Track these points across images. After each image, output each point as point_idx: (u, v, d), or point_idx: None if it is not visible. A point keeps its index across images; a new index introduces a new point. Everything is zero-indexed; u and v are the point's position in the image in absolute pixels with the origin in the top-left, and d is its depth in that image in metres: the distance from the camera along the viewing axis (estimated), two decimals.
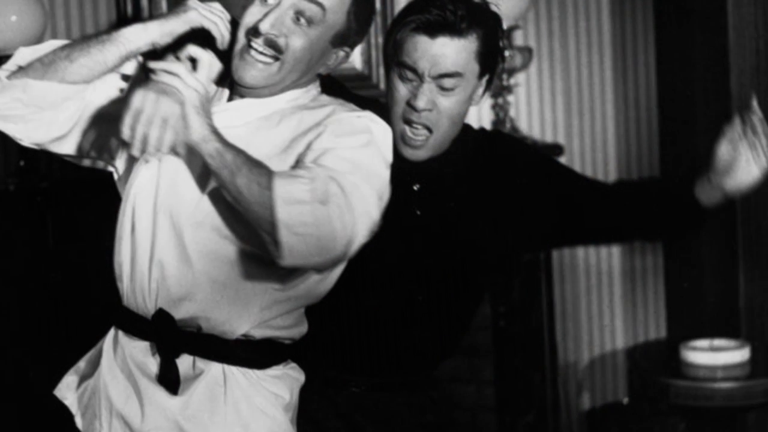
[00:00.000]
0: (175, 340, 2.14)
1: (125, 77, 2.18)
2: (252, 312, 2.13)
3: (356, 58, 3.77)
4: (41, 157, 3.35)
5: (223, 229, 2.07)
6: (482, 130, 2.50)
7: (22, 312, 3.34)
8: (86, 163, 2.28)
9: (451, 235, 2.37)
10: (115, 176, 2.26)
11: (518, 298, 3.68)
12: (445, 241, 2.37)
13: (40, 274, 3.36)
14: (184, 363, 2.15)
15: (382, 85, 3.57)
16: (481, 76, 2.31)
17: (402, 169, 2.23)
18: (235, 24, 2.14)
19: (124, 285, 2.17)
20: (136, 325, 2.17)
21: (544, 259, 3.75)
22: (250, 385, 2.16)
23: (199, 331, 2.14)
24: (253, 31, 2.09)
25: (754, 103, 2.36)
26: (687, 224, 2.50)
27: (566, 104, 4.04)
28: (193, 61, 2.06)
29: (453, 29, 2.24)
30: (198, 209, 2.08)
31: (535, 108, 4.02)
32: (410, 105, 2.27)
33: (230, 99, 2.18)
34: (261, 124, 2.14)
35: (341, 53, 2.18)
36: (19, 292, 3.35)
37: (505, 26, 2.39)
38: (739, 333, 3.85)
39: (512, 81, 3.84)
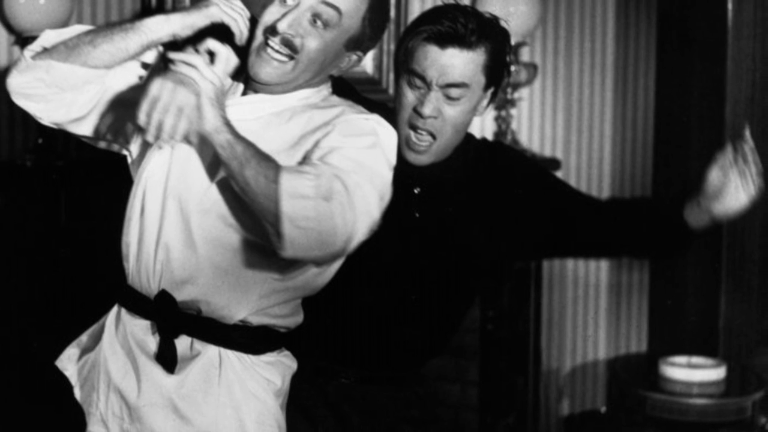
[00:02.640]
0: (175, 321, 2.14)
1: (145, 65, 2.18)
2: (251, 299, 2.13)
3: (368, 63, 3.77)
4: (59, 136, 3.35)
5: (228, 217, 2.07)
6: (484, 140, 2.50)
7: (30, 284, 3.34)
8: (102, 145, 2.28)
9: (447, 239, 2.37)
10: (129, 160, 2.26)
11: (507, 303, 3.68)
12: (441, 244, 2.36)
13: (51, 248, 3.36)
14: (182, 344, 2.15)
15: (391, 90, 3.56)
16: (486, 88, 2.31)
17: (404, 172, 2.23)
18: (254, 21, 2.15)
19: (130, 265, 2.17)
20: (139, 304, 2.17)
21: (535, 268, 3.75)
22: (244, 369, 2.16)
23: (199, 314, 2.13)
24: (271, 30, 2.09)
25: (747, 133, 2.36)
26: (674, 244, 2.49)
27: (566, 121, 4.04)
28: (212, 55, 2.06)
29: (463, 41, 2.24)
30: (206, 197, 2.08)
31: (536, 122, 4.02)
32: (417, 111, 2.27)
33: (244, 93, 2.18)
34: (272, 120, 2.14)
35: (354, 57, 2.18)
36: (29, 265, 3.34)
37: (512, 42, 2.39)
38: (716, 352, 3.85)
39: (516, 95, 3.84)
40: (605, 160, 4.08)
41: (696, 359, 3.71)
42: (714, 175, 2.34)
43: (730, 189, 2.32)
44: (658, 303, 4.13)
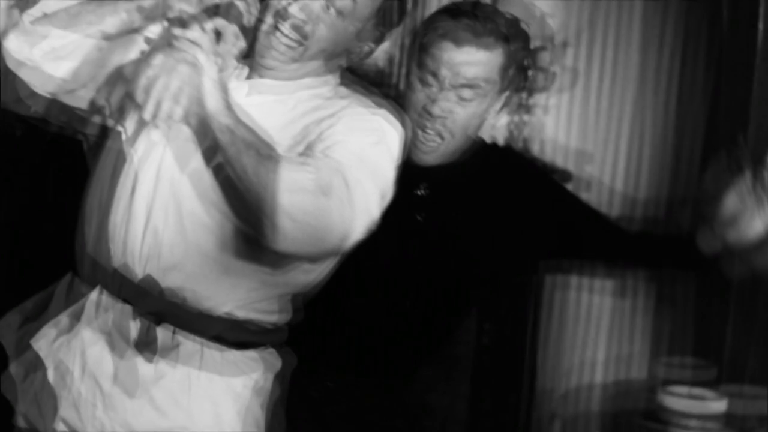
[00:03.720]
0: (158, 308, 2.14)
1: (148, 40, 2.18)
2: (238, 291, 2.13)
3: (379, 55, 3.76)
4: (52, 106, 3.35)
5: (221, 204, 2.08)
6: (494, 145, 2.51)
7: (11, 259, 3.33)
8: (96, 119, 2.28)
9: (448, 244, 2.37)
10: (123, 136, 2.26)
11: (505, 317, 3.67)
12: (441, 250, 2.37)
13: (35, 222, 3.36)
14: (164, 332, 2.15)
15: (402, 86, 3.56)
16: (501, 91, 2.31)
17: (409, 172, 2.23)
18: (264, 3, 2.15)
19: (116, 246, 2.17)
20: (123, 287, 2.17)
21: (537, 282, 3.75)
22: (225, 363, 2.16)
23: (183, 303, 2.14)
24: (282, 13, 2.10)
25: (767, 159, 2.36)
26: (683, 269, 2.50)
27: (581, 132, 4.03)
28: (218, 34, 2.07)
29: (480, 41, 2.25)
30: (200, 182, 2.08)
31: (549, 131, 4.01)
32: (426, 110, 2.27)
33: (249, 77, 2.18)
34: (275, 107, 2.14)
35: (365, 48, 2.18)
36: (11, 238, 3.34)
37: (531, 46, 2.40)
38: (719, 385, 3.85)
39: (531, 101, 3.84)
40: (618, 175, 4.08)
41: (697, 390, 3.71)
42: (730, 201, 2.34)
43: (746, 216, 2.33)
44: (661, 329, 4.12)
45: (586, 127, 4.04)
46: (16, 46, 2.12)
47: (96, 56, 2.15)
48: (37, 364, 2.22)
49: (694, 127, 4.02)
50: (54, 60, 2.13)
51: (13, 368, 2.24)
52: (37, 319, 2.24)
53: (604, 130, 4.06)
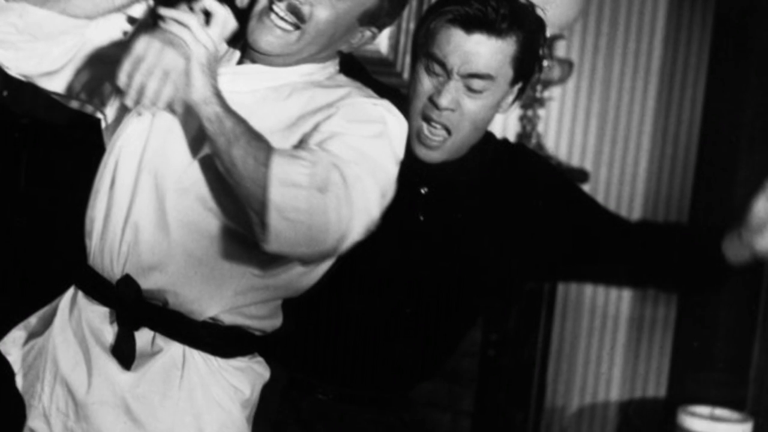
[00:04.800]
0: (137, 311, 2.14)
1: (131, 20, 2.18)
2: (225, 295, 2.13)
3: (382, 41, 3.77)
4: (27, 90, 3.34)
5: (208, 200, 2.07)
6: (505, 141, 2.50)
7: (14, 272, 3.33)
8: (74, 105, 2.28)
9: (452, 248, 2.37)
10: (103, 124, 2.26)
11: (513, 328, 3.68)
12: (444, 253, 2.36)
13: (5, 215, 3.36)
14: (143, 338, 2.15)
15: (406, 75, 3.57)
16: (513, 82, 2.31)
17: (412, 168, 2.23)
18: None
19: (93, 243, 2.17)
20: (99, 288, 2.17)
21: (549, 290, 3.75)
22: (209, 372, 2.16)
23: (165, 306, 2.13)
24: None
25: None
26: (707, 279, 2.49)
27: (600, 128, 4.04)
28: (208, 15, 2.06)
29: (492, 28, 2.24)
30: (185, 175, 2.08)
31: (565, 127, 4.02)
32: (432, 101, 2.27)
33: (240, 62, 2.18)
34: (269, 95, 2.14)
35: (367, 33, 2.18)
36: (14, 250, 3.34)
37: (548, 34, 2.40)
38: (744, 405, 3.85)
39: (546, 94, 3.84)
40: (639, 176, 4.08)
41: (720, 411, 3.72)
42: (761, 206, 2.33)
43: None
44: (683, 344, 4.12)
45: (605, 122, 4.04)
46: None
47: (75, 37, 2.15)
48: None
49: (722, 123, 4.02)
50: (29, 41, 2.13)
51: (19, 382, 2.25)
52: (42, 334, 2.25)
53: (624, 126, 4.05)
